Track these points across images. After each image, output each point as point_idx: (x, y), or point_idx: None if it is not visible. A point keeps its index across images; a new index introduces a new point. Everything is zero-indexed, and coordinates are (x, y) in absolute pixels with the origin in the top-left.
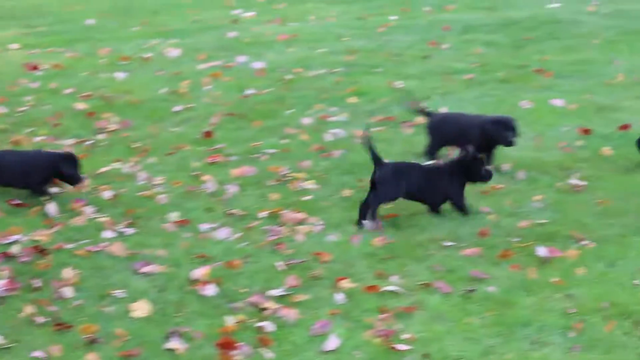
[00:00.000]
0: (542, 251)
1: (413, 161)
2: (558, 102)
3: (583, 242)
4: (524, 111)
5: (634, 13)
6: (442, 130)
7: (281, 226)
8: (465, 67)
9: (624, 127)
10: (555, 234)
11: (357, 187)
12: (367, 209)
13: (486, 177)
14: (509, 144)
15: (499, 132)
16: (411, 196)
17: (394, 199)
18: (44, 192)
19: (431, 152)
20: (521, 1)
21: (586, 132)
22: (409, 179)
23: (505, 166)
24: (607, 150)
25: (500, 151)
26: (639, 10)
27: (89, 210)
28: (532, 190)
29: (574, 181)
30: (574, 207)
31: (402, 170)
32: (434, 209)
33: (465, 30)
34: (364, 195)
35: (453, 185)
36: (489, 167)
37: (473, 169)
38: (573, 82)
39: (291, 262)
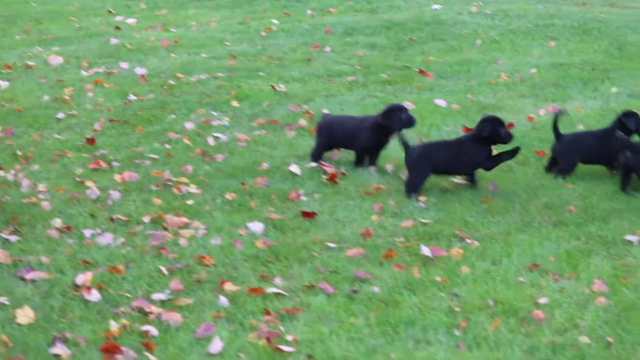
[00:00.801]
0: (426, 250)
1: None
2: (441, 103)
3: (467, 241)
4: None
5: (516, 12)
6: (329, 132)
7: (164, 231)
8: (347, 69)
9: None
10: (439, 233)
11: (240, 190)
12: None
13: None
14: (410, 123)
15: (393, 117)
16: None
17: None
18: None
19: (317, 154)
20: (404, 3)
21: (469, 131)
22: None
23: (389, 166)
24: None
25: (385, 152)
26: (521, 10)
27: None
28: None
29: (458, 180)
30: (458, 206)
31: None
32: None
33: (348, 33)
34: (247, 198)
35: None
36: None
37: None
38: (456, 82)
39: (175, 266)
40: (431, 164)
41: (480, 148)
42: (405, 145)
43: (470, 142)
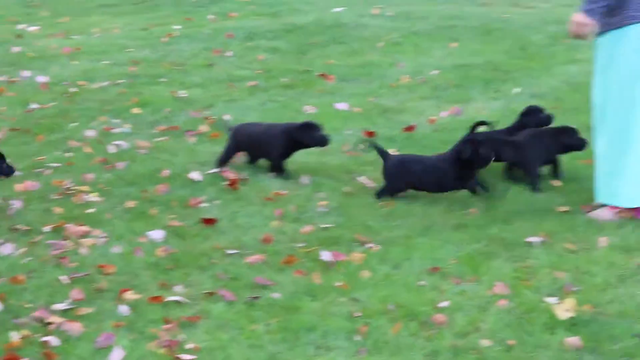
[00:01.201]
0: (326, 255)
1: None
2: (342, 106)
3: (368, 245)
4: (308, 116)
5: (418, 14)
6: (237, 138)
7: (65, 240)
8: (249, 74)
9: (409, 128)
10: (340, 238)
11: (141, 198)
12: None
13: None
14: (322, 142)
15: (308, 134)
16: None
17: None
18: None
19: (224, 160)
20: (305, 6)
21: (371, 134)
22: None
23: (292, 172)
24: (392, 152)
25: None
26: (423, 12)
27: None
28: (316, 195)
29: (360, 183)
30: (359, 211)
31: None
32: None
33: (249, 37)
34: (147, 206)
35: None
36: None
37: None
38: (357, 86)
39: (75, 275)
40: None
41: (456, 169)
42: (383, 154)
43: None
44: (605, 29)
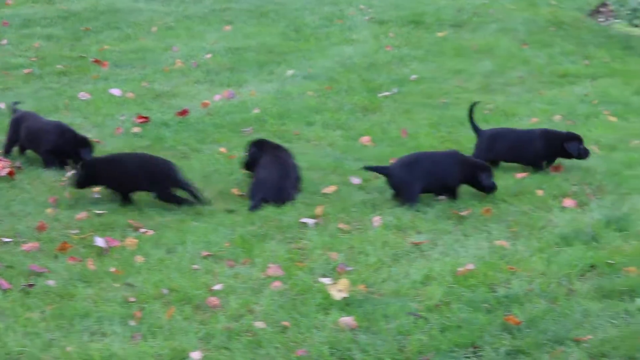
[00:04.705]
0: (100, 242)
1: None
2: (116, 92)
3: (142, 230)
4: (82, 102)
5: None
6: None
7: None
8: (23, 62)
9: (182, 112)
10: (114, 224)
11: None
12: None
13: None
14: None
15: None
16: None
17: None
18: None
19: (7, 149)
20: None
21: (144, 119)
22: None
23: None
24: (165, 136)
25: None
26: None
27: None
28: None
29: None
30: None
31: None
32: None
33: (24, 25)
34: None
35: None
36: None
37: None
38: (131, 71)
39: None
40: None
41: None
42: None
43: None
44: None
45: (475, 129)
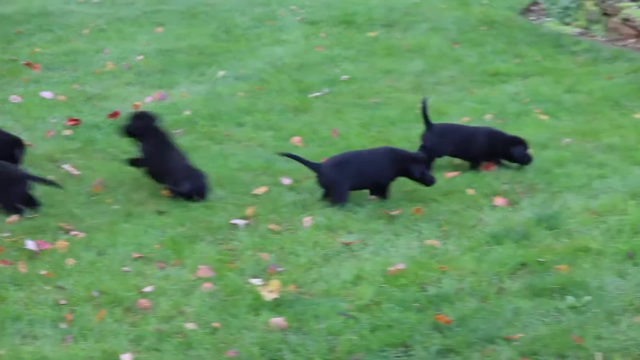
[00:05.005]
0: (31, 245)
1: None
2: (47, 94)
3: (73, 233)
4: (13, 105)
5: (124, 0)
6: None
7: None
8: None
9: (113, 115)
10: (45, 227)
11: None
12: None
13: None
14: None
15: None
16: None
17: None
18: None
19: None
20: None
21: (75, 122)
22: None
23: None
24: (96, 138)
25: None
26: None
27: None
28: None
29: (65, 171)
30: (64, 198)
31: None
32: None
33: None
34: None
35: None
36: None
37: None
38: (62, 73)
39: None
40: None
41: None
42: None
43: None
44: None
45: (427, 122)
